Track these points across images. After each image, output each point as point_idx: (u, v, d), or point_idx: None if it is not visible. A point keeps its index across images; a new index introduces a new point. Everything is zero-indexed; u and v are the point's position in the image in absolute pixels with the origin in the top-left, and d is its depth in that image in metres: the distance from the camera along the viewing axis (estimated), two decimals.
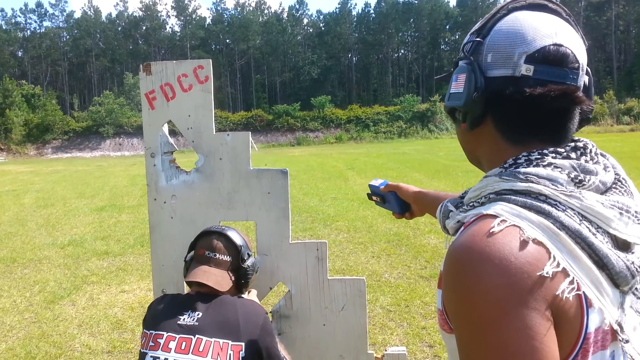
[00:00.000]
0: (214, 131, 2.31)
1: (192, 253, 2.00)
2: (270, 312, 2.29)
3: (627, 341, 0.80)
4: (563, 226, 0.78)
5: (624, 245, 0.83)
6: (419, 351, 3.94)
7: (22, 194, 14.99)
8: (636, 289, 0.85)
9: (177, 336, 1.69)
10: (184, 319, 1.74)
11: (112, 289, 5.84)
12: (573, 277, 0.75)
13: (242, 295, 2.00)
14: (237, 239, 1.96)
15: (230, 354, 1.66)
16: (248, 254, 1.98)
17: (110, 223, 9.78)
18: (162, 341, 1.69)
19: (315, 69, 76.57)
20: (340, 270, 6.03)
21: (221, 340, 1.68)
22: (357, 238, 7.54)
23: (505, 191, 0.84)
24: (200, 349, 1.66)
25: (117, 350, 4.24)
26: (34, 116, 48.02)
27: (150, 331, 1.75)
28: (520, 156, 0.87)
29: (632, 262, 0.81)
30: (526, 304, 0.71)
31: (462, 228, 0.85)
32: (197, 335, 1.69)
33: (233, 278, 1.90)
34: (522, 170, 0.84)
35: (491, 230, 0.76)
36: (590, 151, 0.89)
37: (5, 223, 10.24)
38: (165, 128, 2.37)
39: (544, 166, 0.84)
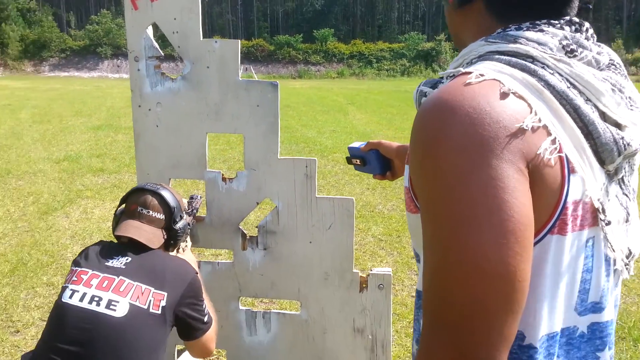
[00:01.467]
0: (201, 37, 2.18)
1: (122, 207, 1.96)
2: (257, 227, 2.25)
3: (608, 223, 0.73)
4: (548, 85, 0.70)
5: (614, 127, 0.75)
6: (407, 278, 3.96)
7: (18, 109, 14.82)
8: (622, 181, 0.78)
9: (102, 275, 1.69)
10: (112, 262, 1.74)
11: (107, 204, 5.83)
12: (555, 137, 0.67)
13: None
14: (170, 199, 1.92)
15: (150, 300, 1.66)
16: (181, 216, 1.94)
17: (107, 142, 9.70)
18: (85, 277, 1.69)
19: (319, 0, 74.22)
20: None
21: (143, 286, 1.68)
22: (353, 170, 7.48)
23: (489, 53, 0.75)
24: (121, 289, 1.65)
25: None
26: (30, 32, 46.86)
27: (77, 268, 1.74)
28: (510, 26, 0.78)
29: (622, 137, 0.72)
30: (499, 155, 0.63)
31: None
32: (120, 277, 1.68)
33: (165, 237, 1.88)
34: (512, 32, 0.76)
35: (467, 81, 0.67)
36: (587, 30, 0.79)
37: (0, 136, 10.16)
38: (150, 31, 2.23)
39: (535, 31, 0.75)
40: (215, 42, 2.20)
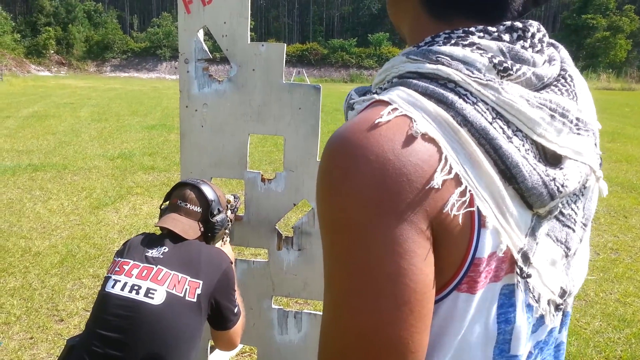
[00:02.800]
0: (249, 40, 2.25)
1: (167, 202, 2.06)
2: (292, 227, 2.29)
3: (527, 276, 0.66)
4: (466, 121, 0.61)
5: (553, 160, 0.66)
6: None
7: (79, 108, 15.51)
8: (562, 213, 0.69)
9: (142, 265, 1.78)
10: (151, 252, 1.82)
11: (155, 201, 6.03)
12: (466, 187, 0.59)
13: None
14: (209, 193, 1.99)
15: (186, 288, 1.73)
16: (219, 209, 2.00)
17: (159, 141, 10.02)
18: (126, 267, 1.77)
19: (376, 3, 74.05)
20: None
21: (180, 274, 1.75)
22: None
23: (409, 74, 0.66)
24: (159, 278, 1.73)
25: None
26: (94, 33, 48.93)
27: (119, 259, 1.84)
28: (440, 34, 0.68)
29: (553, 179, 0.64)
30: (399, 215, 0.57)
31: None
32: (159, 266, 1.76)
33: (202, 229, 1.95)
34: (435, 48, 0.66)
35: (376, 121, 0.60)
36: (533, 35, 0.68)
37: (60, 132, 10.66)
38: (201, 34, 2.32)
39: (463, 46, 0.65)
40: (262, 45, 2.26)
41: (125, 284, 1.73)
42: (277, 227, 2.30)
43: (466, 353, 0.65)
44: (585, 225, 0.73)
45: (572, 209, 0.71)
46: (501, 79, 0.64)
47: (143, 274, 1.75)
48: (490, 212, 0.61)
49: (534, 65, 0.67)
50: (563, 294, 0.72)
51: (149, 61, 47.65)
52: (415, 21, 0.74)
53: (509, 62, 0.64)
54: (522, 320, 0.67)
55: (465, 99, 0.62)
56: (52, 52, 45.55)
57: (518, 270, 0.65)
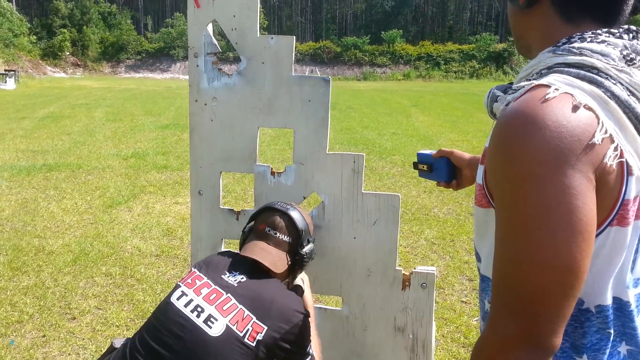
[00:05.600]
0: (258, 33, 2.24)
1: (251, 224, 1.92)
2: None
3: None
4: (613, 95, 0.80)
5: None
6: (457, 283, 3.88)
7: (93, 108, 15.65)
8: None
9: (213, 286, 1.66)
10: (227, 277, 1.70)
11: (167, 199, 6.06)
12: (618, 144, 0.78)
13: (298, 284, 1.93)
14: (300, 222, 1.86)
15: (248, 329, 1.59)
16: (308, 239, 1.88)
17: (173, 140, 10.08)
18: (199, 283, 1.68)
19: (389, 1, 73.80)
20: None
21: (246, 311, 1.61)
22: (411, 172, 7.41)
23: (558, 65, 0.85)
24: (225, 308, 1.61)
25: (165, 255, 4.43)
26: (109, 35, 49.38)
27: (195, 270, 1.74)
28: (574, 35, 0.88)
29: None
30: (573, 165, 0.74)
31: (514, 100, 0.84)
32: (229, 294, 1.65)
33: (289, 262, 1.81)
34: (576, 45, 0.85)
35: (546, 96, 0.78)
36: None
37: (75, 133, 10.77)
38: (210, 28, 2.31)
39: (598, 42, 0.85)
40: (271, 38, 2.24)
41: (190, 300, 1.63)
42: None
43: (610, 277, 0.84)
44: None
45: None
46: (628, 66, 0.84)
47: (211, 298, 1.64)
48: (635, 163, 0.80)
49: None
50: None
51: (163, 61, 47.95)
52: (548, 27, 0.92)
53: (633, 54, 0.85)
54: None
55: (608, 79, 0.81)
56: (68, 53, 45.99)
57: None
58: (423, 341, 2.14)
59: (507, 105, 0.87)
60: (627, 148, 0.79)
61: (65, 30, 46.42)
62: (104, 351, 1.73)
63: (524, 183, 0.75)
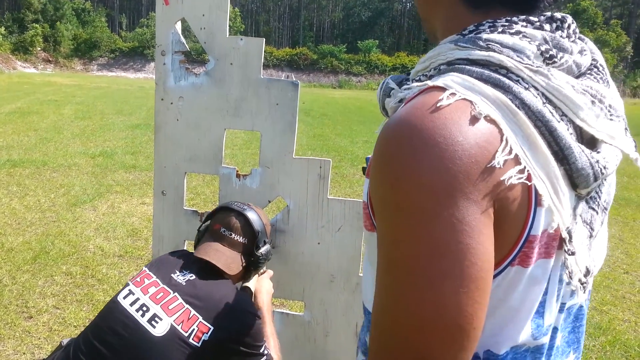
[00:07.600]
0: (227, 34, 2.21)
1: (207, 224, 1.89)
2: None
3: (572, 253, 0.69)
4: (523, 104, 0.64)
5: (588, 144, 0.70)
6: None
7: (63, 105, 15.33)
8: (591, 197, 0.73)
9: (161, 286, 1.63)
10: (176, 275, 1.67)
11: (134, 200, 5.95)
12: (524, 167, 0.62)
13: (248, 285, 1.89)
14: (256, 222, 1.84)
15: (194, 329, 1.55)
16: (265, 241, 1.85)
17: (143, 140, 9.92)
18: (147, 282, 1.65)
19: (366, 11, 74.44)
20: None
21: (192, 311, 1.57)
22: None
23: (459, 61, 0.68)
24: (170, 307, 1.58)
25: (129, 255, 4.34)
26: (82, 32, 48.54)
27: (146, 269, 1.71)
28: (484, 22, 0.70)
29: (597, 161, 0.67)
30: (467, 194, 0.58)
31: (403, 105, 0.68)
32: (176, 294, 1.61)
33: (244, 263, 1.79)
34: (484, 36, 0.68)
35: (438, 104, 0.61)
36: (569, 27, 0.72)
37: (42, 129, 10.51)
38: (179, 26, 2.28)
39: (510, 34, 0.68)
40: (241, 39, 2.22)
41: (137, 299, 1.60)
42: None
43: (512, 321, 0.69)
44: (605, 209, 0.77)
45: (596, 192, 0.74)
46: (547, 66, 0.68)
47: (157, 297, 1.60)
48: (546, 191, 0.64)
49: (571, 54, 0.70)
50: (587, 273, 0.75)
51: (137, 61, 47.31)
52: (452, 12, 0.75)
53: (553, 50, 0.68)
54: (554, 293, 0.72)
55: (518, 83, 0.65)
56: (39, 49, 45.04)
57: (565, 248, 0.68)
58: None
59: (399, 102, 0.73)
60: (537, 172, 0.63)
61: (37, 25, 45.45)
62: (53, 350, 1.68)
63: (408, 217, 0.60)
